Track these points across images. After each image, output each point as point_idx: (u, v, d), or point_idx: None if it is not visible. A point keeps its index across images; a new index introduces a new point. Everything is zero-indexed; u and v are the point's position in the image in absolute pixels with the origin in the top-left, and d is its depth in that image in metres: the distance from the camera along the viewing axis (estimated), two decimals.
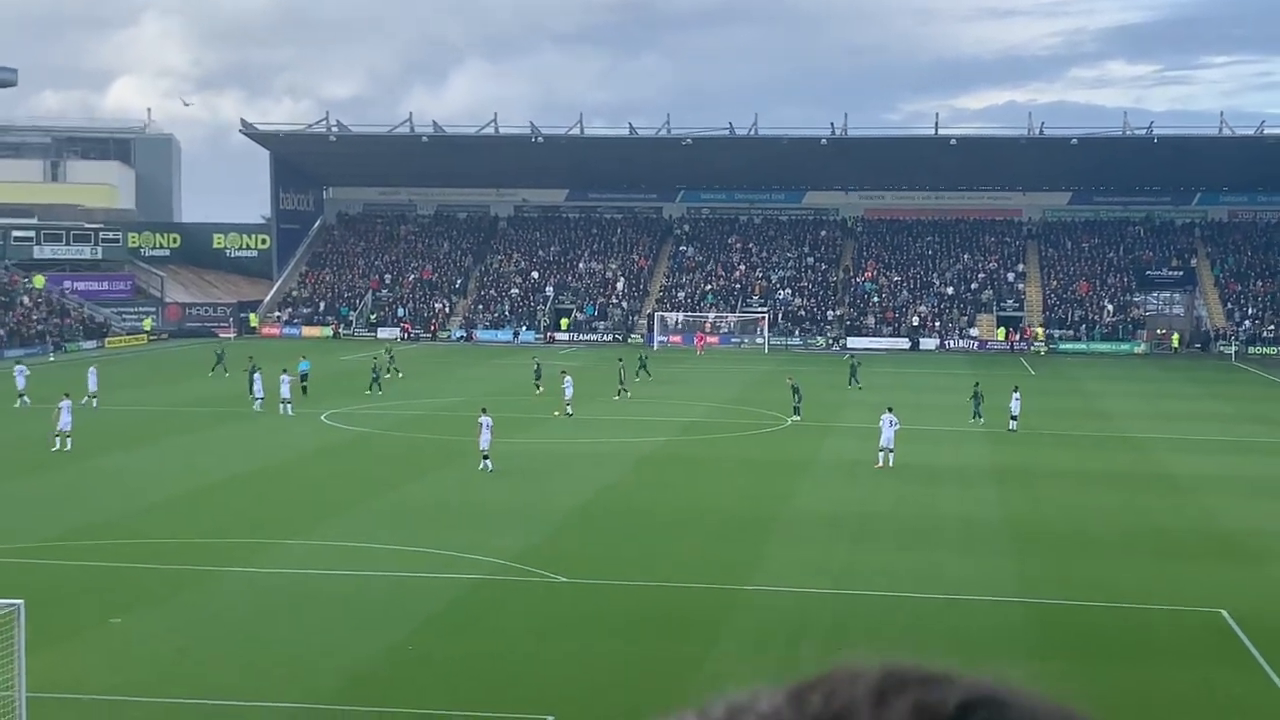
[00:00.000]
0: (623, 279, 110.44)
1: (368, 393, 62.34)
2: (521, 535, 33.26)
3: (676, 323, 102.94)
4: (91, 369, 61.07)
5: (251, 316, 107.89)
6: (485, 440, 42.28)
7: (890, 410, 45.02)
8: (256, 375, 57.51)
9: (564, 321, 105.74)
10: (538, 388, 63.58)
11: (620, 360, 68.01)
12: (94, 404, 57.02)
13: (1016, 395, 53.67)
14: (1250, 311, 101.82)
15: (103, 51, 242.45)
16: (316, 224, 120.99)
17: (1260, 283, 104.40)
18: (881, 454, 44.10)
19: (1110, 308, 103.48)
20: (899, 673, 1.03)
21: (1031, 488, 41.03)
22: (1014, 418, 52.94)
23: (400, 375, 69.51)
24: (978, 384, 57.55)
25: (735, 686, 1.09)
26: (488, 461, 42.20)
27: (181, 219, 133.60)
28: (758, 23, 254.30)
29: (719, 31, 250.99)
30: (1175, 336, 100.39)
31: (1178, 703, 22.08)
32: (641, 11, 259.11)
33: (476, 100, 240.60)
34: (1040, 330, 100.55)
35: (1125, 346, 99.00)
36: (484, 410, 44.21)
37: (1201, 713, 21.74)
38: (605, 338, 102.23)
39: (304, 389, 60.64)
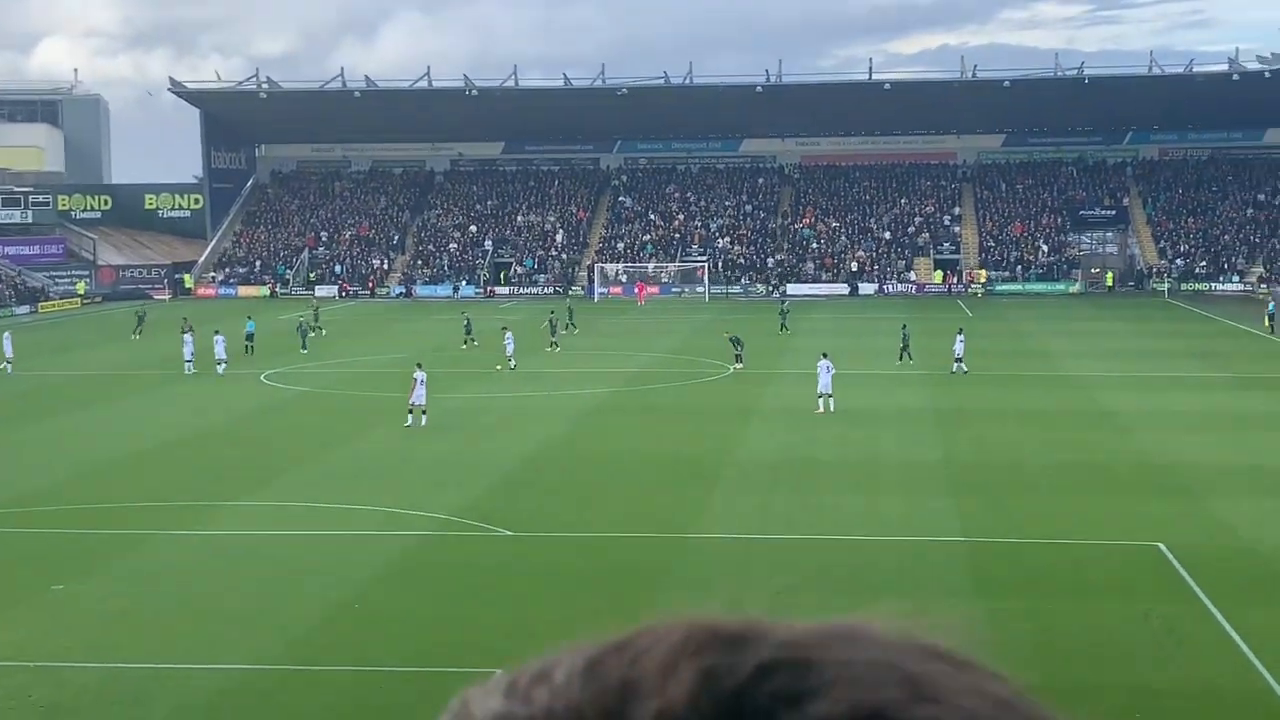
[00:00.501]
0: (561, 231, 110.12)
1: (302, 352, 62.12)
2: (465, 490, 33.25)
3: (617, 274, 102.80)
4: (6, 334, 59.86)
5: (186, 278, 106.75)
6: (419, 395, 42.11)
7: (825, 356, 45.25)
8: (187, 337, 56.84)
9: (504, 275, 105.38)
10: (468, 343, 63.47)
11: (552, 313, 68.08)
12: (8, 369, 56.35)
13: (961, 337, 54.09)
14: (1182, 249, 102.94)
15: (28, 11, 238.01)
16: (250, 182, 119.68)
17: (1191, 220, 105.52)
18: (821, 400, 44.32)
19: (1045, 248, 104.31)
20: (699, 633, 0.93)
21: (971, 428, 41.40)
22: (959, 360, 53.33)
23: (324, 334, 68.52)
24: (905, 326, 58.11)
25: (559, 646, 1.03)
26: (424, 417, 41.97)
27: (112, 180, 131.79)
28: None
29: None
30: (1109, 275, 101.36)
31: (1118, 635, 22.43)
32: None
33: (410, 54, 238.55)
34: (983, 273, 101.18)
35: (1060, 286, 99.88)
36: (419, 365, 44.05)
37: (1141, 644, 22.09)
38: (546, 290, 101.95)
39: (250, 349, 60.64)
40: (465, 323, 65.89)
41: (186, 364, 55.70)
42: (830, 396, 44.14)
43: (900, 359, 55.75)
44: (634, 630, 0.97)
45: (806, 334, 66.25)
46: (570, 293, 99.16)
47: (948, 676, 0.94)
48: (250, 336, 61.65)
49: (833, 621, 0.98)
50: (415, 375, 42.64)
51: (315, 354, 62.01)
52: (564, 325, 68.09)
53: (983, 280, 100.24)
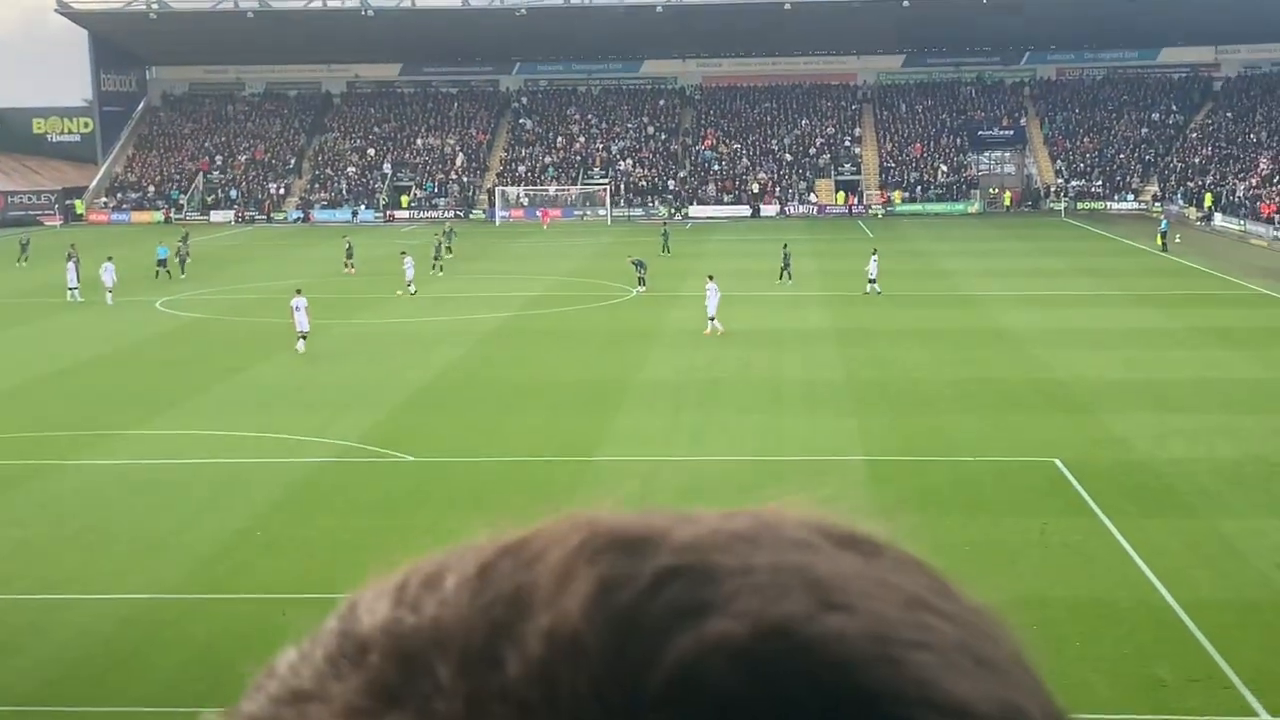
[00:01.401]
0: (461, 154, 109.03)
1: (182, 277, 61.78)
2: (367, 416, 33.00)
3: (518, 197, 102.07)
4: None
5: (78, 203, 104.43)
6: (302, 321, 41.42)
7: (712, 279, 45.39)
8: (70, 264, 55.67)
9: (404, 199, 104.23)
10: (348, 267, 63.10)
11: (437, 235, 68.07)
12: None
13: (874, 258, 54.47)
14: (1078, 168, 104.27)
15: None
16: (141, 105, 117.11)
17: (1087, 139, 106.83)
18: (711, 322, 44.41)
19: (944, 169, 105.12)
20: (597, 535, 0.85)
21: (871, 348, 41.75)
22: (872, 280, 53.67)
23: (189, 260, 65.82)
24: (786, 246, 58.47)
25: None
26: (301, 342, 41.45)
27: None
28: None
29: None
30: (1007, 195, 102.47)
31: (1016, 549, 22.84)
32: None
33: None
34: (899, 194, 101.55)
35: (959, 207, 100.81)
36: (298, 291, 42.85)
37: (1038, 557, 22.52)
38: (447, 214, 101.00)
39: (159, 273, 61.29)
40: (347, 247, 65.22)
41: (70, 291, 54.65)
42: (714, 319, 44.26)
43: (780, 278, 56.19)
44: (531, 530, 0.89)
45: (708, 256, 66.30)
46: (470, 216, 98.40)
47: (858, 574, 0.85)
48: (162, 261, 62.15)
49: (737, 515, 0.91)
50: (293, 303, 41.88)
51: (212, 280, 61.30)
52: (445, 249, 67.02)
53: (898, 201, 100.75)
